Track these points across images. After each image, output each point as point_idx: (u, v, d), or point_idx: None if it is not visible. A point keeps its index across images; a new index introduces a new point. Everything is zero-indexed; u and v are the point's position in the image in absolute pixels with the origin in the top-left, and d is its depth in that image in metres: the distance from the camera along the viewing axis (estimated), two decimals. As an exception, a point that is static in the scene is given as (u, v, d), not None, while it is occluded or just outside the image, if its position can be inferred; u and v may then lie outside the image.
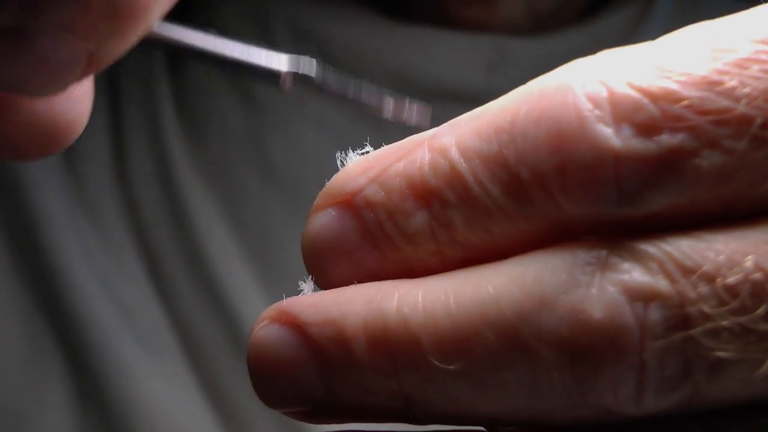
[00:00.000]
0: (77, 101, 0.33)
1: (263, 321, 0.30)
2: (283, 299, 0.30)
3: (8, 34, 0.27)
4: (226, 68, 0.33)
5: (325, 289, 0.30)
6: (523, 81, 0.28)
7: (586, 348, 0.25)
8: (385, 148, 0.30)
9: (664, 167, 0.25)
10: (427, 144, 0.28)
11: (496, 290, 0.26)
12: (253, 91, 0.65)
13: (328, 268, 0.30)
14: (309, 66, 0.33)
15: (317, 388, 0.29)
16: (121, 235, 0.64)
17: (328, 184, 0.31)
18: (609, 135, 0.25)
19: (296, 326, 0.29)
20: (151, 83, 0.66)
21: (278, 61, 0.33)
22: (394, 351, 0.27)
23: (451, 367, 0.26)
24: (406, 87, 0.65)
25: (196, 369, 0.62)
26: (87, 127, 0.32)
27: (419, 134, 0.29)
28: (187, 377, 0.62)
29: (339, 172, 0.30)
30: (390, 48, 0.65)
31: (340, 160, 0.31)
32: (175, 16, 0.70)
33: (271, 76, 0.33)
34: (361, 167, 0.30)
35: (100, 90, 0.64)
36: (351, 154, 0.32)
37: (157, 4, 0.29)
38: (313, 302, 0.29)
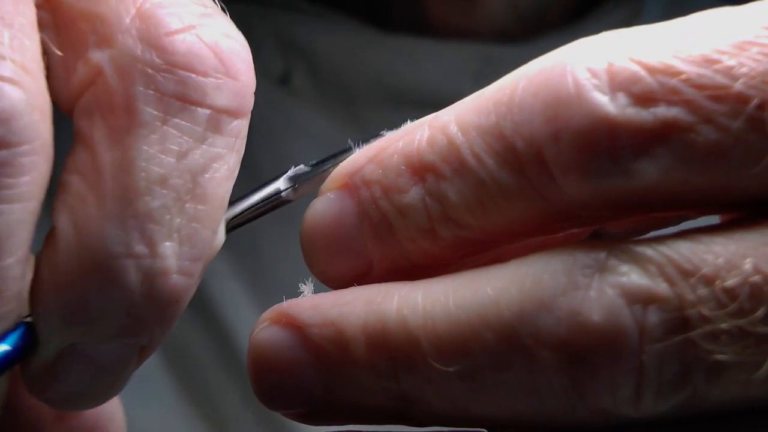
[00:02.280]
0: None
1: (263, 323, 0.30)
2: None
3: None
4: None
5: (322, 276, 0.30)
6: None
7: (585, 350, 0.25)
8: (390, 133, 0.30)
9: (659, 137, 0.25)
10: (427, 123, 0.29)
11: (495, 292, 0.26)
12: None
13: (324, 252, 0.30)
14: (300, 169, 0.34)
15: (317, 388, 0.29)
16: None
17: (335, 168, 0.31)
18: (605, 102, 0.25)
19: (296, 327, 0.29)
20: None
21: (276, 184, 0.35)
22: (394, 352, 0.27)
23: (451, 369, 0.26)
24: (393, 97, 0.65)
25: (187, 389, 0.61)
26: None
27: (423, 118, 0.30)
28: (177, 398, 0.61)
29: (346, 160, 0.31)
30: (377, 58, 0.65)
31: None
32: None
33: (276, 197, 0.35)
34: (364, 151, 0.30)
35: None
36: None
37: (190, 292, 0.30)
38: (312, 304, 0.29)
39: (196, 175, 0.29)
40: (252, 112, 0.64)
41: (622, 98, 0.25)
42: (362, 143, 0.31)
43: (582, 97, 0.26)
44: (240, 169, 0.63)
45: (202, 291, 0.62)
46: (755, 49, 0.25)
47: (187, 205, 0.29)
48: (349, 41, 0.66)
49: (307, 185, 0.33)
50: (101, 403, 0.31)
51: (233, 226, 0.34)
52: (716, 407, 0.26)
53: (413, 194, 0.28)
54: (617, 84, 0.25)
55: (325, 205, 0.30)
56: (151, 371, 0.62)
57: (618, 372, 0.25)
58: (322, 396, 0.29)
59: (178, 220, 0.28)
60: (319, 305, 0.29)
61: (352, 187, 0.29)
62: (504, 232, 0.27)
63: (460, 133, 0.27)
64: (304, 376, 0.29)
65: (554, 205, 0.26)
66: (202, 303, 0.62)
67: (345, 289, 0.29)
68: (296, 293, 0.30)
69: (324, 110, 0.65)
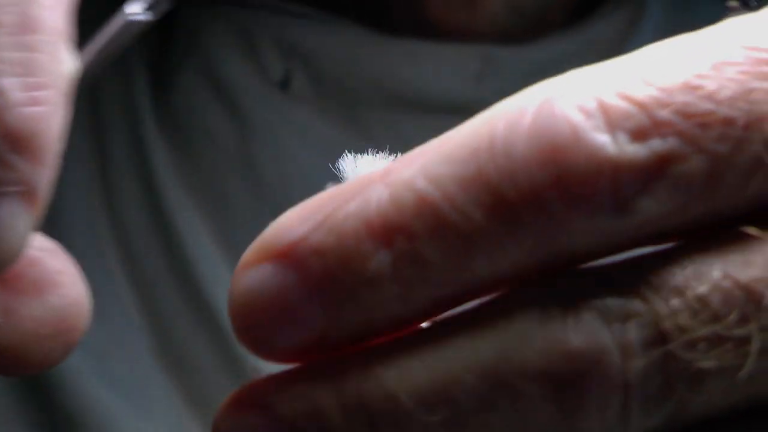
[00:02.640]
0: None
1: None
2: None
3: None
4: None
5: (263, 355, 0.27)
6: (513, 89, 0.27)
7: (569, 376, 0.25)
8: (323, 194, 0.27)
9: (657, 172, 0.25)
10: (381, 182, 0.26)
11: (471, 334, 0.26)
12: (240, 105, 0.65)
13: (266, 335, 0.27)
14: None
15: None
16: (109, 258, 0.63)
17: (257, 239, 0.27)
18: (607, 143, 0.25)
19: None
20: (135, 105, 0.66)
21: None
22: (372, 412, 0.26)
23: (435, 418, 0.25)
24: (395, 100, 0.65)
25: (188, 398, 0.61)
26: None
27: (366, 175, 0.27)
28: (177, 405, 0.61)
29: (270, 226, 0.27)
30: (378, 61, 0.65)
31: (342, 170, 0.30)
32: (160, 34, 0.70)
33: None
34: (298, 216, 0.27)
35: (81, 114, 0.64)
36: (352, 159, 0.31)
37: (49, 121, 0.29)
38: (281, 383, 0.27)
39: (22, 5, 0.29)
40: (253, 116, 0.64)
41: (620, 137, 0.25)
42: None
43: (581, 139, 0.25)
44: (240, 171, 0.63)
45: (203, 295, 0.62)
46: (732, 69, 0.25)
47: (19, 38, 0.29)
48: (350, 45, 0.66)
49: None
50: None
51: (96, 59, 0.33)
52: (703, 414, 0.25)
53: (380, 260, 0.25)
54: (613, 122, 0.25)
55: (262, 278, 0.26)
56: (151, 376, 0.62)
57: (604, 392, 0.25)
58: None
59: (13, 54, 0.29)
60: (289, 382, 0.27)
61: (297, 258, 0.26)
62: (490, 282, 0.26)
63: (431, 188, 0.25)
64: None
65: (552, 248, 0.26)
66: (203, 307, 0.62)
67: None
68: None
69: (325, 114, 0.65)
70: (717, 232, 0.26)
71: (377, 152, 0.32)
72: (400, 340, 0.26)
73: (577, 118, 0.25)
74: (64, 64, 0.31)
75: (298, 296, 0.26)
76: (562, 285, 0.26)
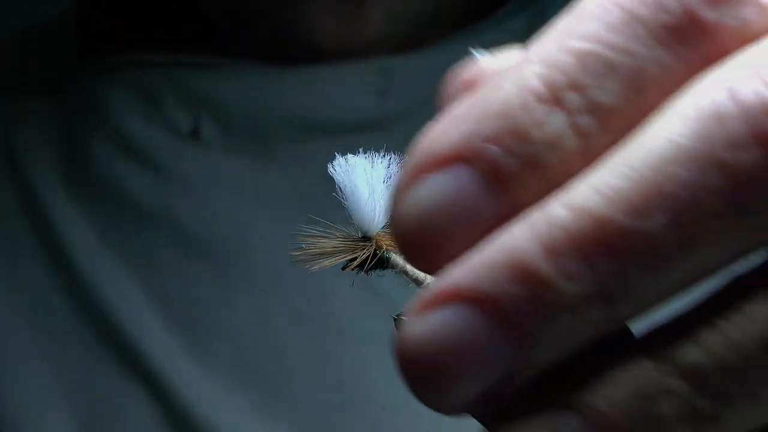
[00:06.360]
0: None
1: (408, 317, 0.24)
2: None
3: None
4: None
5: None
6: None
7: None
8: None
9: None
10: (527, 59, 0.24)
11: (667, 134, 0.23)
12: (155, 162, 0.65)
13: (447, 247, 0.24)
14: None
15: (511, 354, 0.23)
16: (21, 333, 0.62)
17: (407, 161, 0.25)
18: None
19: (462, 298, 0.23)
20: (34, 185, 0.65)
21: None
22: (583, 245, 0.23)
23: (654, 223, 0.22)
24: (303, 127, 0.65)
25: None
26: None
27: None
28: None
29: (417, 146, 0.25)
30: (280, 93, 0.65)
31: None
32: (62, 92, 0.69)
33: None
34: (448, 121, 0.24)
35: None
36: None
37: None
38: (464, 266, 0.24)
39: None
40: (168, 171, 0.64)
41: None
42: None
43: None
44: (167, 231, 0.63)
45: (137, 350, 0.61)
46: None
47: None
48: (251, 83, 0.66)
49: None
50: None
51: None
52: None
53: (556, 120, 0.24)
54: None
55: (436, 187, 0.24)
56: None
57: None
58: (519, 359, 0.23)
59: None
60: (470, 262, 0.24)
61: (468, 152, 0.24)
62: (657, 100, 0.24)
63: (583, 43, 0.24)
64: (490, 345, 0.23)
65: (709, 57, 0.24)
66: (138, 363, 0.61)
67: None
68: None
69: (238, 155, 0.65)
70: None
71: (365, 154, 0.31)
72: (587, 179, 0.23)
73: None
74: None
75: (480, 192, 0.24)
76: None
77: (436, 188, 0.24)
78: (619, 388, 0.23)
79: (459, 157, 0.24)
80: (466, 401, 0.24)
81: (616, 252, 0.23)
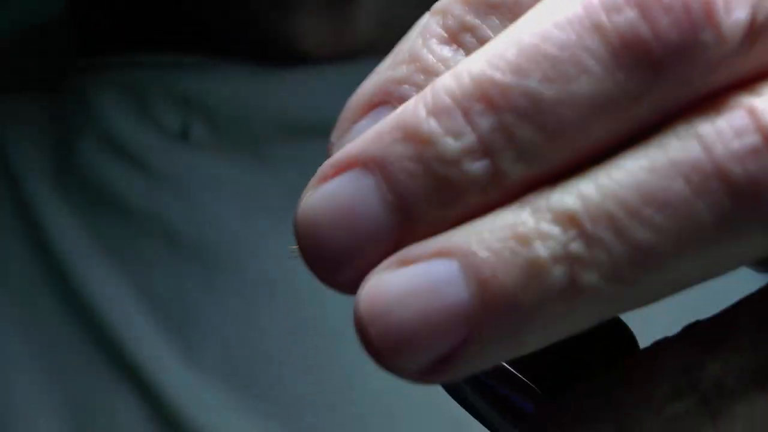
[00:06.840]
0: None
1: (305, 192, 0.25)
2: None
3: None
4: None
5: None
6: None
7: None
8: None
9: None
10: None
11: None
12: (144, 163, 0.65)
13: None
14: None
15: (399, 210, 0.24)
16: (11, 335, 0.63)
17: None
18: None
19: (353, 164, 0.25)
20: (23, 187, 0.65)
21: None
22: (463, 102, 0.24)
23: (530, 81, 0.23)
24: (291, 129, 0.65)
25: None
26: None
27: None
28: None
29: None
30: (270, 94, 0.66)
31: None
32: (51, 93, 0.69)
33: None
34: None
35: None
36: None
37: None
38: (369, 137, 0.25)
39: None
40: (158, 172, 0.64)
41: None
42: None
43: None
44: (158, 232, 0.63)
45: (129, 356, 0.61)
46: None
47: None
48: (240, 84, 0.66)
49: None
50: None
51: None
52: None
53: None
54: None
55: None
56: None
57: None
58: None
59: None
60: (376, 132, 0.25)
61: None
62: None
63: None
64: (383, 205, 0.24)
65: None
66: (130, 368, 0.61)
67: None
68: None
69: (229, 156, 0.65)
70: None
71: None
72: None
73: None
74: None
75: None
76: None
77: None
78: (494, 233, 0.24)
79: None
80: (357, 267, 0.25)
81: (494, 106, 0.24)
